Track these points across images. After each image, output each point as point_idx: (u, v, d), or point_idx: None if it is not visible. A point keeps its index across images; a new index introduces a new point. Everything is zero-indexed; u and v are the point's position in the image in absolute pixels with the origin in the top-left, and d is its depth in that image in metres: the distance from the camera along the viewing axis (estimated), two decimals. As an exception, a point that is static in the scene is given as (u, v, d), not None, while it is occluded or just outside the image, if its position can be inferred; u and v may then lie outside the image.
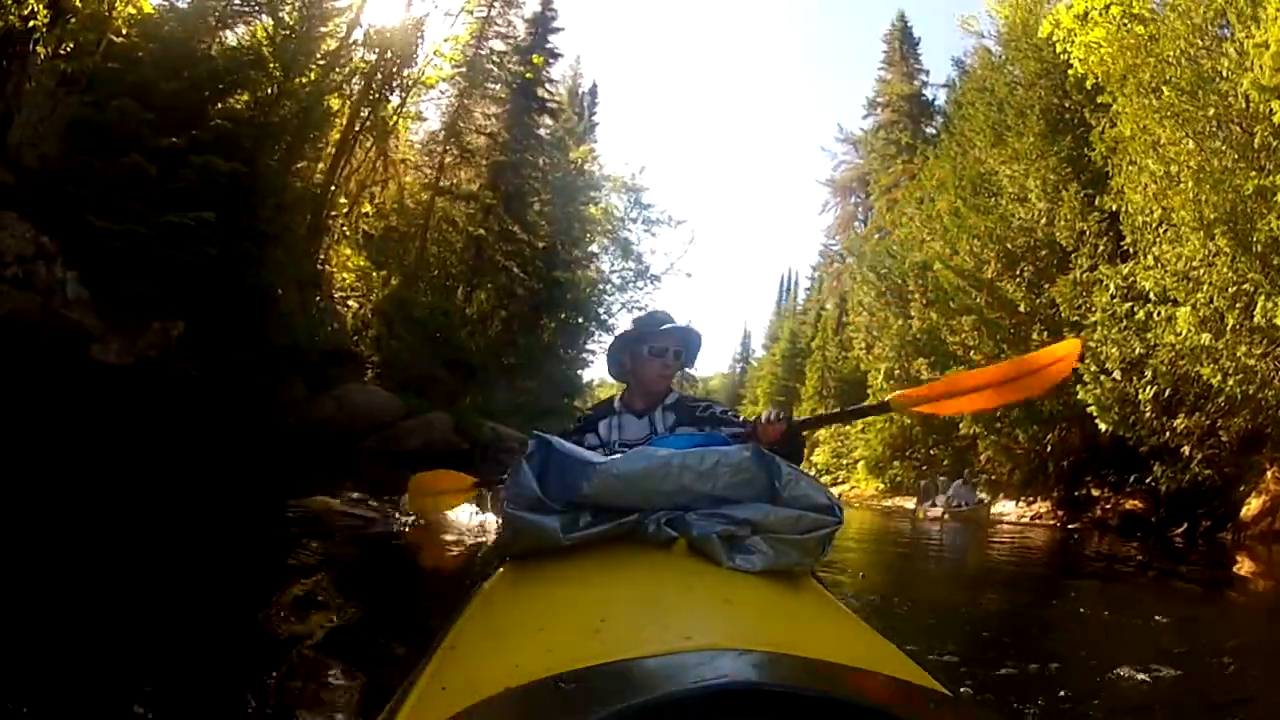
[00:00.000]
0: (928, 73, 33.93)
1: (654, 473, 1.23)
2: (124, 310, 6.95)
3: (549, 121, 23.50)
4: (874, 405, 2.05)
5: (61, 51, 7.56)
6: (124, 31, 8.59)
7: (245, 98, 10.04)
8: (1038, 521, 14.21)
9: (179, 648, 2.46)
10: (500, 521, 1.26)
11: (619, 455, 1.29)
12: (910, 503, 17.66)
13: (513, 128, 20.90)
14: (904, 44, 34.19)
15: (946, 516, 13.58)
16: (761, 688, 0.63)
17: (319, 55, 11.78)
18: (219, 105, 9.46)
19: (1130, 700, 2.64)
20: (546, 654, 0.78)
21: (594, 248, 26.08)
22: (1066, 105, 14.43)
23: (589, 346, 28.49)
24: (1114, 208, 11.42)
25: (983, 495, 13.79)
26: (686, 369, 2.32)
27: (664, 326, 2.12)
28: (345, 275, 12.88)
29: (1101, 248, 12.70)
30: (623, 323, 25.08)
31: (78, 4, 7.81)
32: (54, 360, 5.51)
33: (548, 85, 23.43)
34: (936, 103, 31.88)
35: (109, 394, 5.65)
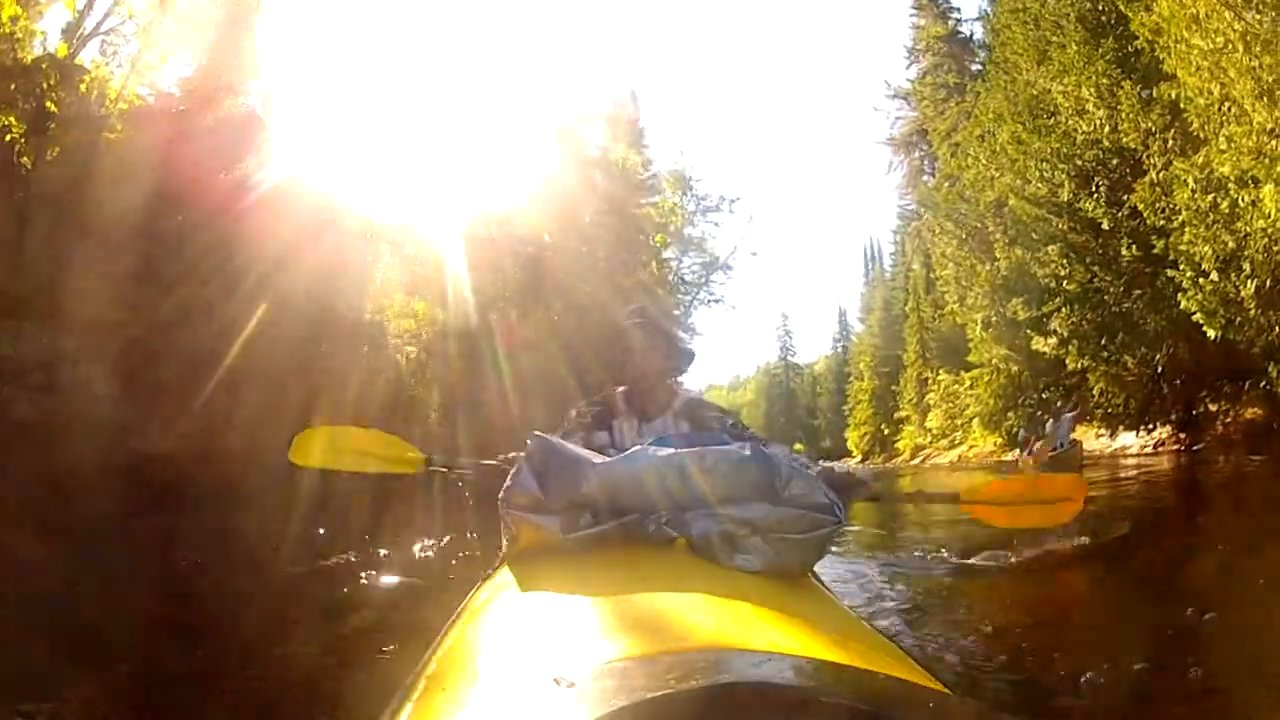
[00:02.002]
0: (959, 10, 32.86)
1: (654, 472, 1.23)
2: (157, 396, 7.29)
3: (585, 127, 23.45)
4: (944, 494, 2.23)
5: (48, 157, 7.94)
6: (118, 128, 8.86)
7: (251, 164, 10.12)
8: (1161, 449, 13.15)
9: (179, 648, 2.56)
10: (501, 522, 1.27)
11: (619, 455, 1.29)
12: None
13: (553, 139, 20.91)
14: (929, -16, 32.85)
15: (1036, 464, 12.65)
16: (762, 687, 0.63)
17: None
18: (222, 176, 9.25)
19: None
20: (546, 654, 0.79)
21: (669, 254, 25.65)
22: (1101, 6, 13.59)
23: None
24: (1173, 95, 10.50)
25: (1074, 435, 12.72)
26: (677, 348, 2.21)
27: (634, 311, 2.17)
28: (404, 323, 12.97)
29: (1171, 142, 11.67)
30: (702, 320, 24.71)
31: (51, 108, 8.13)
32: (95, 456, 5.82)
33: (582, 90, 23.19)
34: (975, 38, 30.55)
35: (153, 480, 5.92)
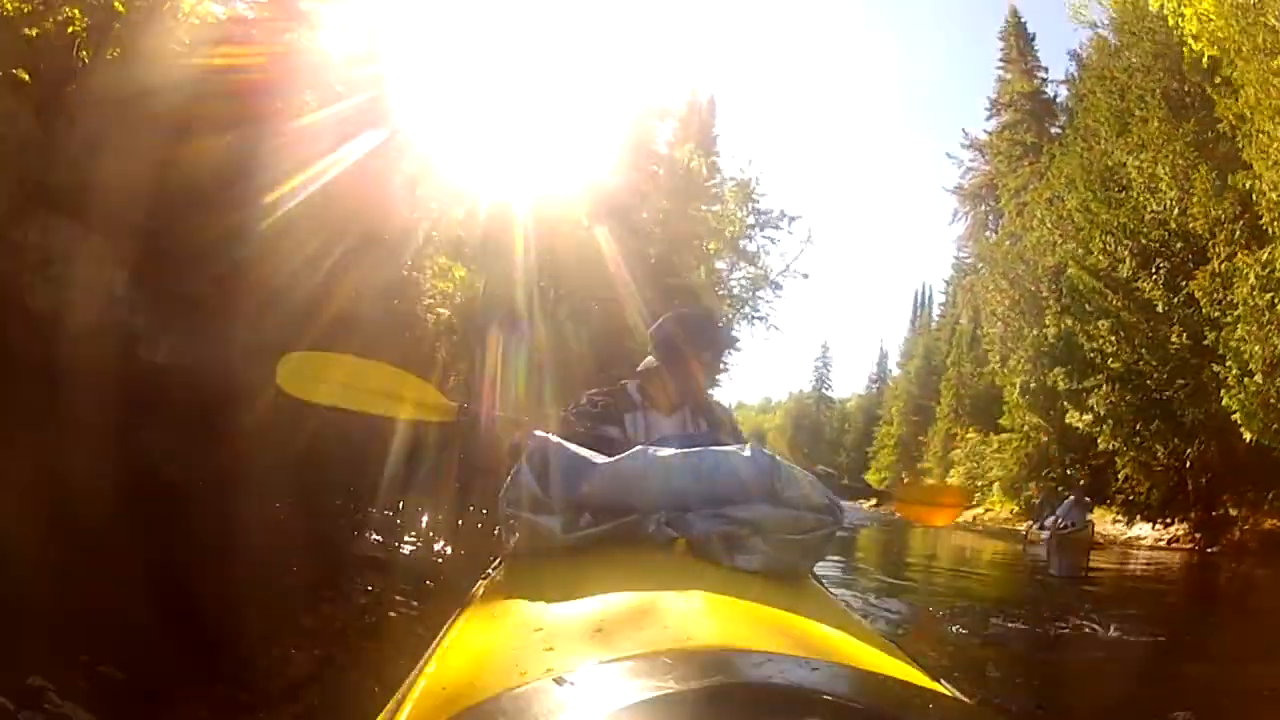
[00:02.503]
0: (1046, 70, 31.82)
1: (654, 472, 1.24)
2: (178, 312, 7.24)
3: (654, 121, 23.00)
4: (880, 490, 3.03)
5: (108, 57, 7.98)
6: (186, 41, 8.88)
7: (315, 102, 10.00)
8: (1175, 545, 12.81)
9: (177, 648, 2.48)
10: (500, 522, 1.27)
11: (619, 456, 1.29)
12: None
13: (615, 126, 20.60)
14: (1019, 40, 32.17)
15: (1050, 537, 12.35)
16: (762, 687, 0.63)
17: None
18: (280, 108, 9.36)
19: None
20: (546, 654, 0.79)
21: (720, 264, 25.14)
22: (1186, 87, 13.32)
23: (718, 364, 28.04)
24: (1247, 185, 10.18)
25: (1090, 517, 12.40)
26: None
27: (706, 330, 2.16)
28: (442, 284, 12.83)
29: (1239, 233, 11.32)
30: (747, 337, 24.39)
31: (118, 7, 8.15)
32: (100, 359, 5.73)
33: (653, 85, 22.71)
34: (1058, 99, 29.79)
35: (156, 394, 5.81)
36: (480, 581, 1.41)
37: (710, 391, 2.26)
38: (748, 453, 1.28)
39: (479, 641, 0.99)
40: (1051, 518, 12.86)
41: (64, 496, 3.55)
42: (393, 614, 3.60)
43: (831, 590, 1.50)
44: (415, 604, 3.87)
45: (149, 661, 2.34)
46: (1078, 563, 9.68)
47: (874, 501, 44.02)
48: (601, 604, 0.94)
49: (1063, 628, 4.28)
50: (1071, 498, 12.97)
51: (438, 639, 1.11)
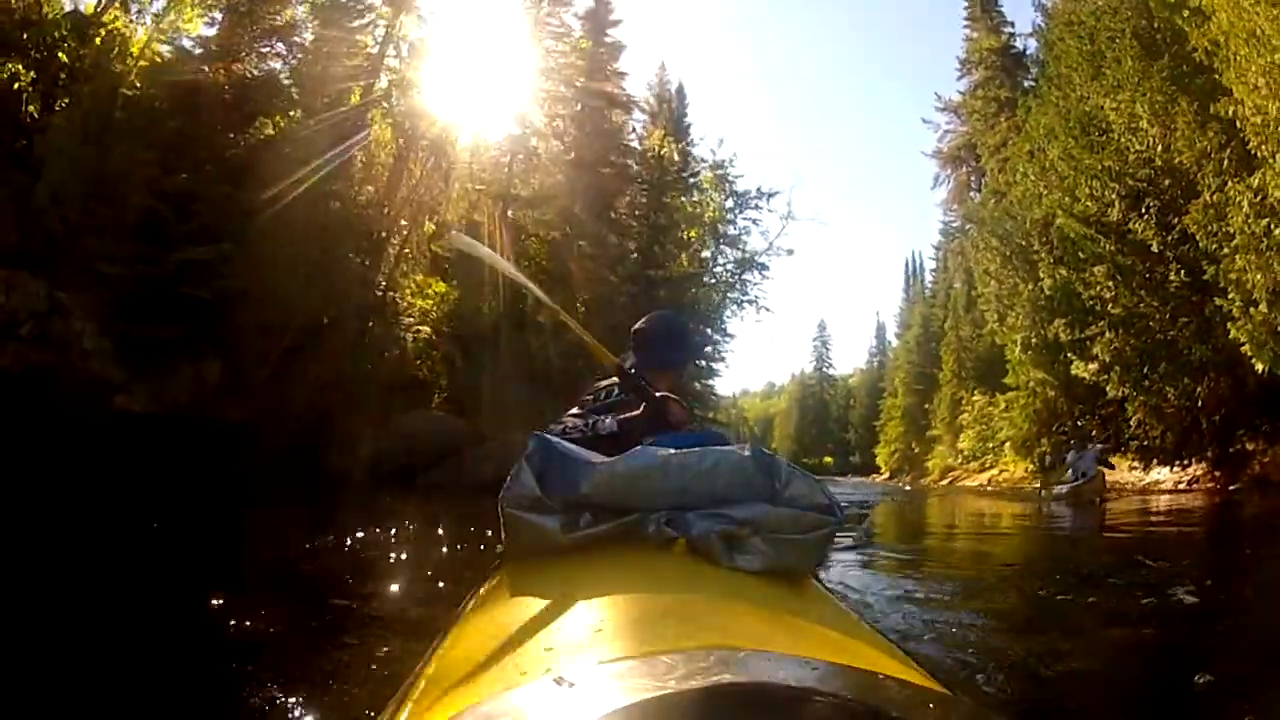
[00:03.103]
0: (1012, 24, 31.78)
1: (653, 472, 1.23)
2: (149, 357, 6.96)
3: (621, 116, 22.55)
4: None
5: (57, 108, 7.84)
6: (137, 84, 8.76)
7: (268, 127, 9.85)
8: (1195, 486, 12.60)
9: (175, 649, 2.53)
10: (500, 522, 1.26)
11: (619, 455, 1.29)
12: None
13: (584, 125, 20.23)
14: (982, -4, 32.06)
15: (1064, 492, 12.10)
16: (762, 687, 0.63)
17: (344, 74, 11.33)
18: (233, 137, 9.20)
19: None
20: (546, 654, 0.79)
21: (705, 253, 24.65)
22: (1156, 23, 13.10)
23: (711, 352, 27.67)
24: (1230, 112, 9.98)
25: (1101, 467, 12.13)
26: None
27: (666, 338, 2.23)
28: (421, 301, 12.61)
29: (1227, 162, 11.10)
30: (737, 325, 24.15)
31: (63, 59, 7.99)
32: (77, 413, 5.58)
33: (616, 79, 22.42)
34: (1028, 52, 29.70)
35: (135, 444, 5.66)
36: (480, 582, 1.43)
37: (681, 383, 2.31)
38: (748, 451, 1.28)
39: (479, 641, 0.98)
40: (1069, 472, 12.63)
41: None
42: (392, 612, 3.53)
43: (832, 589, 1.49)
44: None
45: (140, 663, 2.39)
46: (1090, 516, 9.43)
47: (886, 475, 44.01)
48: (601, 604, 0.94)
49: (1078, 593, 4.04)
50: (1076, 451, 12.74)
51: (438, 639, 1.12)
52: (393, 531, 5.82)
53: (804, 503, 1.23)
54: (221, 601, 3.27)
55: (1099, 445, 12.98)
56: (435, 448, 10.04)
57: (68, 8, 10.34)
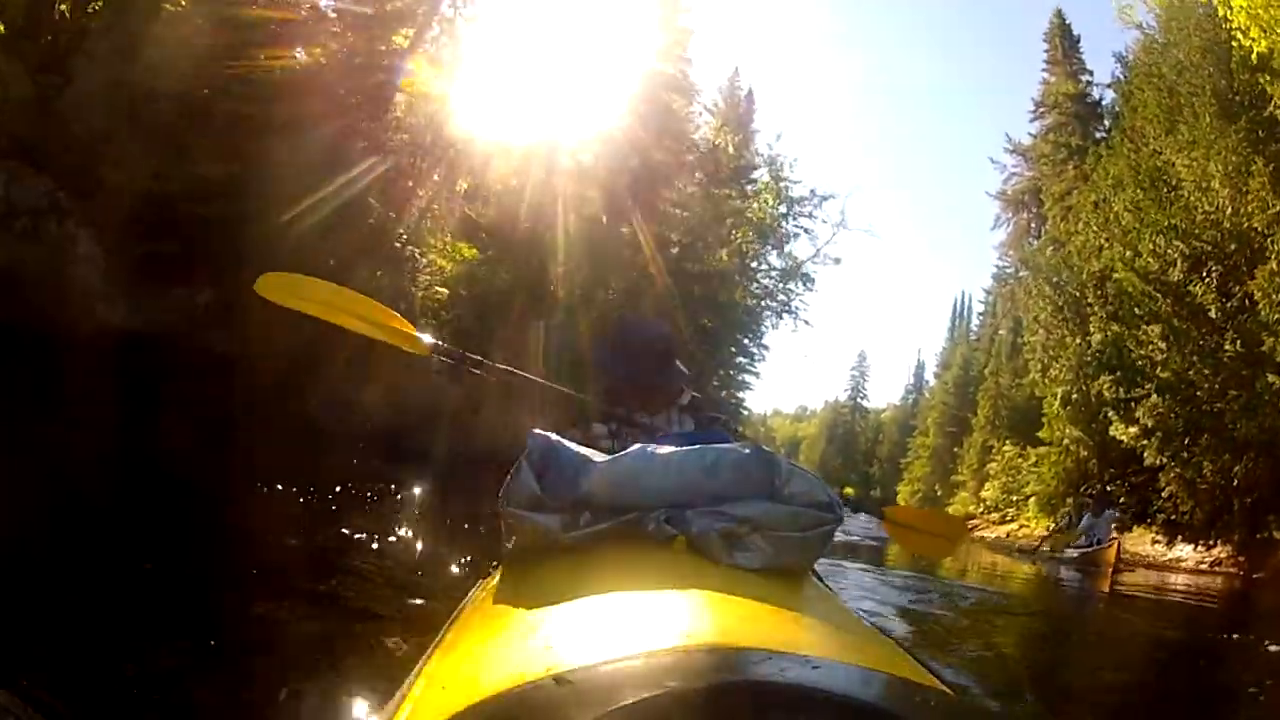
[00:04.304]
0: (1091, 72, 30.89)
1: (653, 470, 1.24)
2: (141, 272, 6.63)
3: (682, 103, 21.61)
4: (875, 506, 2.55)
5: (90, 10, 7.64)
6: (181, 2, 8.63)
7: (303, 57, 9.50)
8: (1216, 569, 11.99)
9: (172, 649, 2.44)
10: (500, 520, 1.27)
11: (619, 453, 1.30)
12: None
13: (641, 106, 19.20)
14: (1064, 42, 31.18)
15: (1074, 556, 11.50)
16: (762, 687, 0.63)
17: (395, 15, 10.82)
18: (265, 60, 8.86)
19: None
20: (546, 653, 0.78)
21: (750, 256, 23.70)
22: (1236, 84, 12.62)
23: (745, 363, 27.21)
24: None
25: (1114, 534, 11.51)
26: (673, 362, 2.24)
27: (618, 352, 2.19)
28: (441, 261, 12.36)
29: (1299, 229, 10.59)
30: (775, 339, 23.61)
31: None
32: (57, 319, 5.45)
33: (682, 64, 21.53)
34: (1103, 102, 28.96)
35: (112, 359, 5.52)
36: (480, 581, 1.43)
37: (685, 389, 2.21)
38: (747, 449, 1.29)
39: (479, 641, 0.99)
40: (1082, 537, 12.04)
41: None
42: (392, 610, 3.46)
43: (832, 588, 1.49)
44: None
45: (133, 651, 2.33)
46: (1098, 584, 8.95)
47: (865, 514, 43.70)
48: (601, 603, 0.94)
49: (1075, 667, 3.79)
50: (1091, 514, 12.14)
51: (437, 639, 1.12)
52: (373, 498, 5.66)
53: (804, 500, 1.23)
54: (200, 583, 3.13)
55: (1116, 512, 12.38)
56: (427, 413, 9.81)
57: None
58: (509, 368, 2.40)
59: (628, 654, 0.71)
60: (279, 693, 2.15)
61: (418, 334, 2.32)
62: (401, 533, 5.63)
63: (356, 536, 5.00)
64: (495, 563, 1.48)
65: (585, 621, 0.88)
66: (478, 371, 2.30)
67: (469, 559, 4.70)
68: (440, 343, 2.30)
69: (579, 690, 0.64)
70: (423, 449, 8.95)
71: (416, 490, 7.31)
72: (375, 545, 4.81)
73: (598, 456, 1.28)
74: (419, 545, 5.44)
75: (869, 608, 5.10)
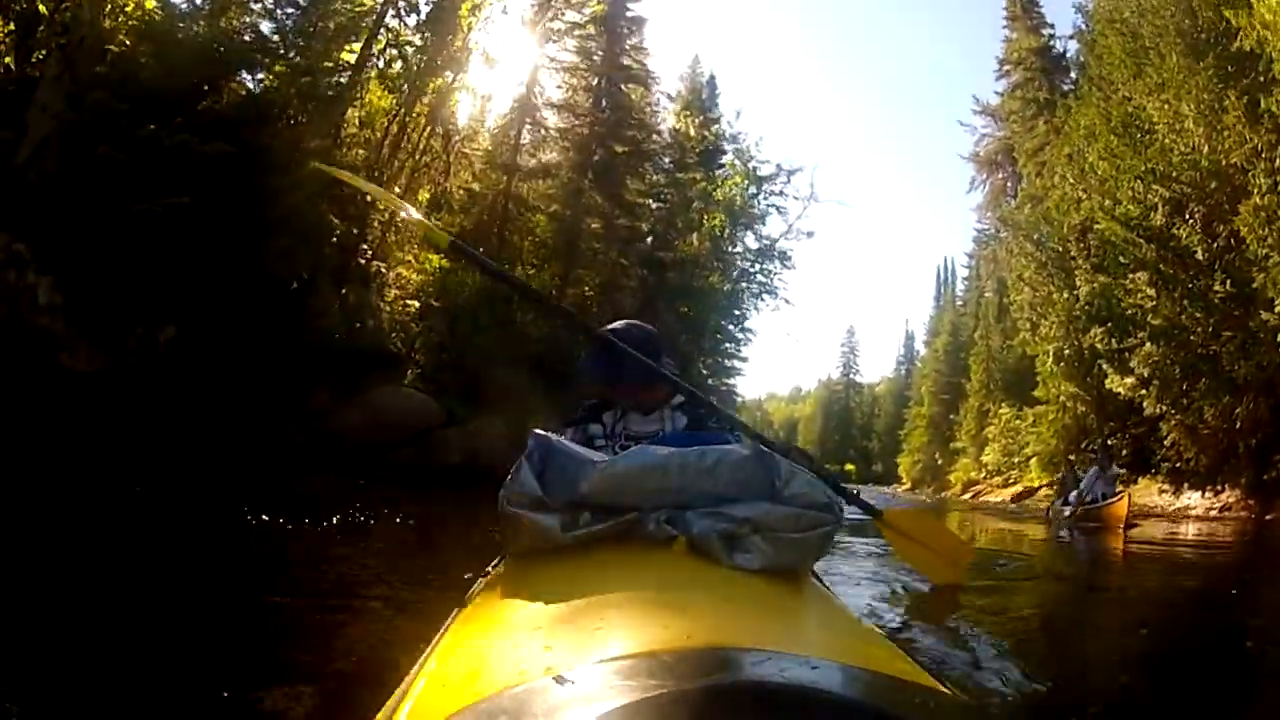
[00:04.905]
0: (1052, 25, 30.99)
1: (654, 471, 1.23)
2: (101, 315, 6.82)
3: (640, 91, 21.49)
4: (871, 506, 2.38)
5: (34, 60, 7.78)
6: (125, 41, 8.69)
7: (248, 83, 9.69)
8: (1226, 514, 11.76)
9: (168, 650, 2.45)
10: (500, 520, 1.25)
11: (620, 454, 1.29)
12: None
13: (597, 98, 19.41)
14: (1023, -3, 31.20)
15: (1072, 516, 11.05)
16: (762, 687, 0.63)
17: (338, 32, 11.00)
18: (208, 90, 9.01)
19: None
20: (546, 653, 0.78)
21: (723, 238, 23.50)
22: (1201, 20, 12.46)
23: (731, 348, 26.97)
24: (1281, 108, 9.26)
25: (1120, 487, 11.15)
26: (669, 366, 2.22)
27: (599, 365, 2.16)
28: (408, 273, 12.22)
29: (1279, 160, 10.31)
30: (757, 323, 23.45)
31: (43, 10, 7.98)
32: (22, 369, 5.56)
33: (636, 54, 21.31)
34: (1068, 54, 28.87)
35: (79, 403, 5.61)
36: (479, 580, 1.43)
37: (677, 383, 2.21)
38: (747, 450, 1.29)
39: (478, 641, 0.99)
40: (1075, 492, 11.69)
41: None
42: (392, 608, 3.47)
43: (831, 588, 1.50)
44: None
45: (126, 658, 2.33)
46: (1110, 541, 8.59)
47: (908, 485, 42.74)
48: (601, 603, 0.94)
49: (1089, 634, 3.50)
50: (1096, 467, 11.80)
51: (437, 638, 1.11)
52: (335, 520, 5.45)
53: (804, 501, 1.23)
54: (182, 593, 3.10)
55: (1118, 465, 12.04)
56: (405, 425, 9.60)
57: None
58: (526, 283, 2.64)
59: (627, 654, 0.71)
60: (278, 693, 2.14)
61: (437, 227, 2.48)
62: (390, 545, 5.46)
63: (347, 549, 4.94)
64: (495, 562, 1.49)
65: (585, 621, 0.87)
66: (493, 277, 2.39)
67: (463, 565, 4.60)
68: (457, 239, 2.38)
69: (579, 690, 0.64)
70: (402, 460, 8.76)
71: (400, 506, 7.10)
72: (366, 559, 4.75)
73: (597, 457, 1.28)
74: (409, 556, 5.35)
75: (870, 569, 4.78)
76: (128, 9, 9.10)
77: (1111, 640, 3.05)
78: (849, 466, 65.50)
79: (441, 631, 1.14)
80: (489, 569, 1.50)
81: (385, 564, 4.42)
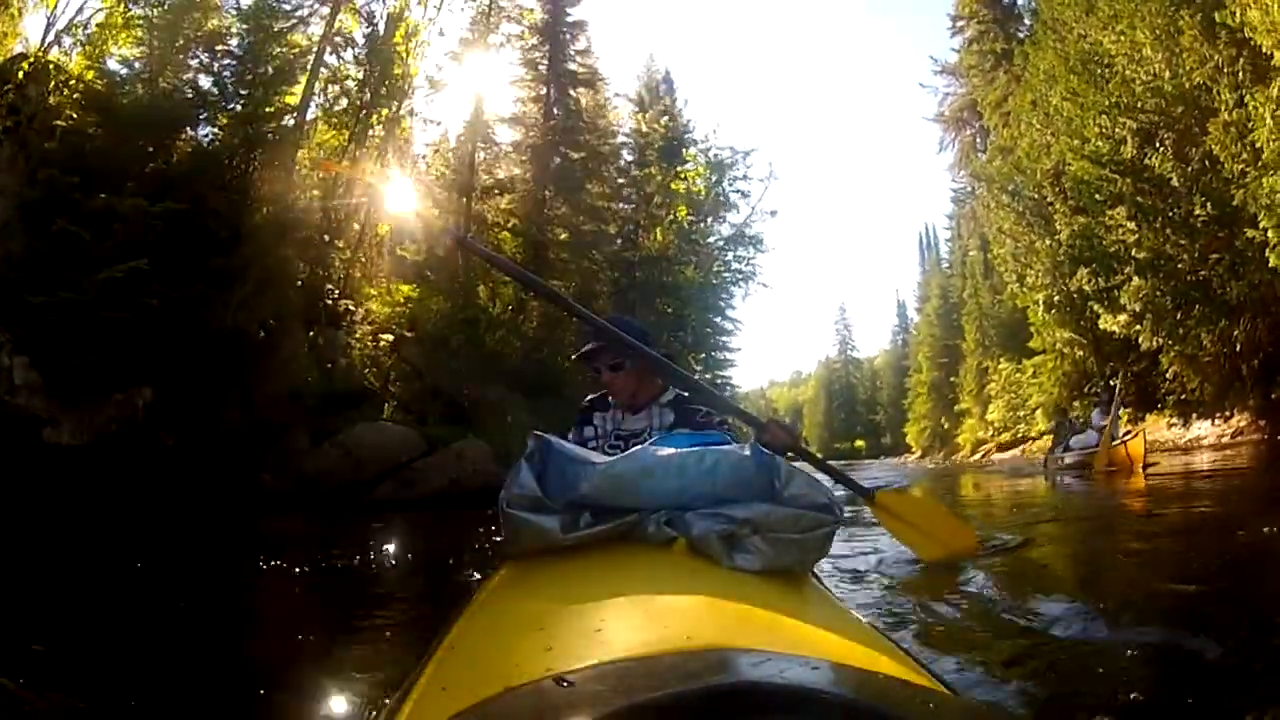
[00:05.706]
0: (1000, -26, 30.68)
1: (654, 472, 1.24)
2: (78, 387, 6.88)
3: (590, 95, 21.39)
4: (861, 486, 2.35)
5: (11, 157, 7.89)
6: (73, 115, 8.82)
7: (192, 140, 9.81)
8: (1239, 439, 11.53)
9: (171, 654, 2.46)
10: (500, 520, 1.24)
11: (619, 454, 1.29)
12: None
13: (548, 107, 19.33)
14: (970, -51, 31.04)
15: (1088, 458, 10.59)
16: (762, 687, 0.63)
17: (276, 78, 11.06)
18: (153, 151, 9.20)
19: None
20: (546, 654, 0.77)
21: (699, 235, 23.41)
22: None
23: (721, 341, 26.83)
24: (1239, 19, 9.09)
25: (1130, 427, 10.77)
26: (664, 358, 2.21)
27: (587, 347, 2.19)
28: (378, 307, 12.13)
29: (1243, 74, 10.14)
30: (749, 312, 23.26)
31: (10, 99, 8.15)
32: (6, 450, 5.58)
33: (577, 57, 21.17)
34: (1019, 1, 28.89)
35: (67, 477, 5.61)
36: (480, 581, 1.44)
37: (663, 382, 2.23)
38: (747, 451, 1.29)
39: (479, 641, 1.00)
40: (1080, 436, 11.40)
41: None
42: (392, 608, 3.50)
43: (831, 588, 1.52)
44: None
45: (129, 661, 2.37)
46: (1129, 481, 8.23)
47: (918, 454, 42.33)
48: (601, 604, 0.95)
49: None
50: (1097, 410, 11.50)
51: (437, 639, 1.11)
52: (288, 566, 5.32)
53: (804, 502, 1.23)
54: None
55: (1121, 403, 11.71)
56: (384, 460, 9.50)
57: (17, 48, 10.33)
58: (530, 273, 2.38)
59: (628, 655, 0.72)
60: (280, 694, 2.15)
61: (444, 226, 2.61)
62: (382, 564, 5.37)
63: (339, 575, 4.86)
64: (496, 563, 1.49)
65: (585, 622, 0.87)
66: (504, 271, 2.23)
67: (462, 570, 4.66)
68: (462, 232, 2.66)
69: (579, 690, 0.64)
70: (382, 496, 8.63)
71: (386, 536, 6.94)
72: (361, 577, 4.74)
73: (597, 458, 1.28)
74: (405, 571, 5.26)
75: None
76: (70, 83, 9.17)
77: (1129, 623, 2.52)
78: (859, 443, 65.24)
79: (442, 632, 1.14)
80: (490, 571, 1.50)
81: (357, 599, 4.27)
